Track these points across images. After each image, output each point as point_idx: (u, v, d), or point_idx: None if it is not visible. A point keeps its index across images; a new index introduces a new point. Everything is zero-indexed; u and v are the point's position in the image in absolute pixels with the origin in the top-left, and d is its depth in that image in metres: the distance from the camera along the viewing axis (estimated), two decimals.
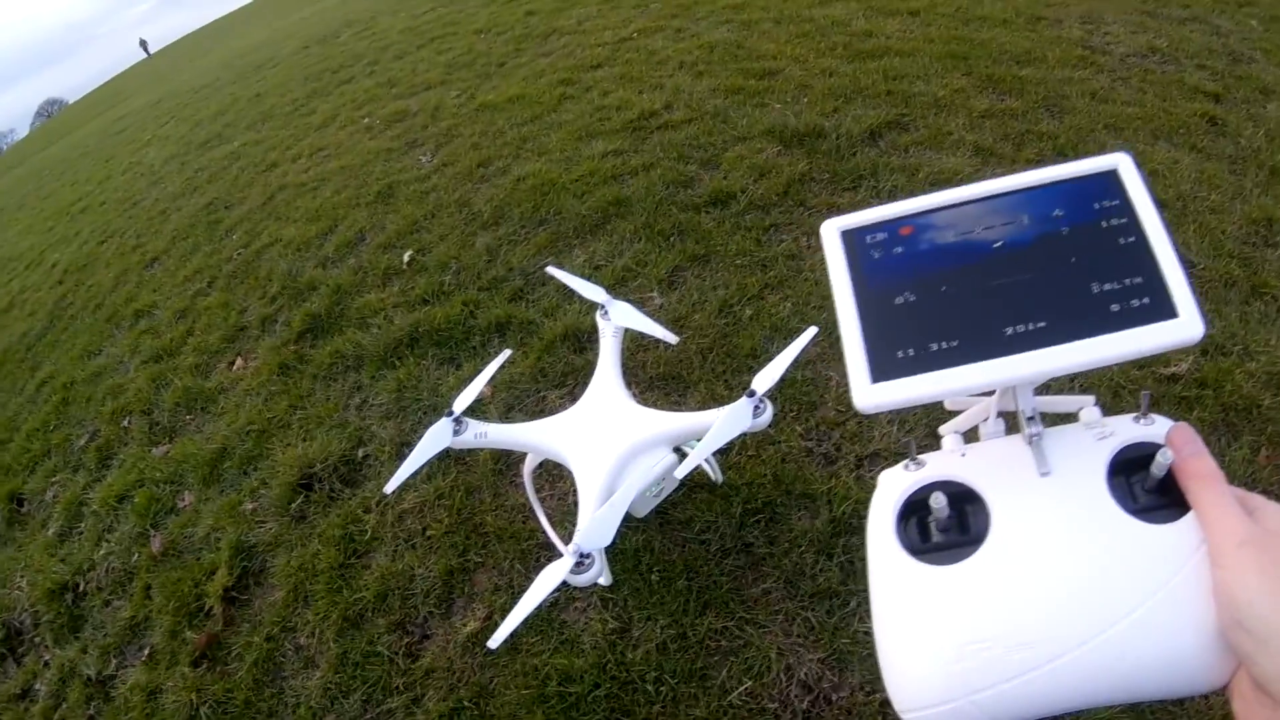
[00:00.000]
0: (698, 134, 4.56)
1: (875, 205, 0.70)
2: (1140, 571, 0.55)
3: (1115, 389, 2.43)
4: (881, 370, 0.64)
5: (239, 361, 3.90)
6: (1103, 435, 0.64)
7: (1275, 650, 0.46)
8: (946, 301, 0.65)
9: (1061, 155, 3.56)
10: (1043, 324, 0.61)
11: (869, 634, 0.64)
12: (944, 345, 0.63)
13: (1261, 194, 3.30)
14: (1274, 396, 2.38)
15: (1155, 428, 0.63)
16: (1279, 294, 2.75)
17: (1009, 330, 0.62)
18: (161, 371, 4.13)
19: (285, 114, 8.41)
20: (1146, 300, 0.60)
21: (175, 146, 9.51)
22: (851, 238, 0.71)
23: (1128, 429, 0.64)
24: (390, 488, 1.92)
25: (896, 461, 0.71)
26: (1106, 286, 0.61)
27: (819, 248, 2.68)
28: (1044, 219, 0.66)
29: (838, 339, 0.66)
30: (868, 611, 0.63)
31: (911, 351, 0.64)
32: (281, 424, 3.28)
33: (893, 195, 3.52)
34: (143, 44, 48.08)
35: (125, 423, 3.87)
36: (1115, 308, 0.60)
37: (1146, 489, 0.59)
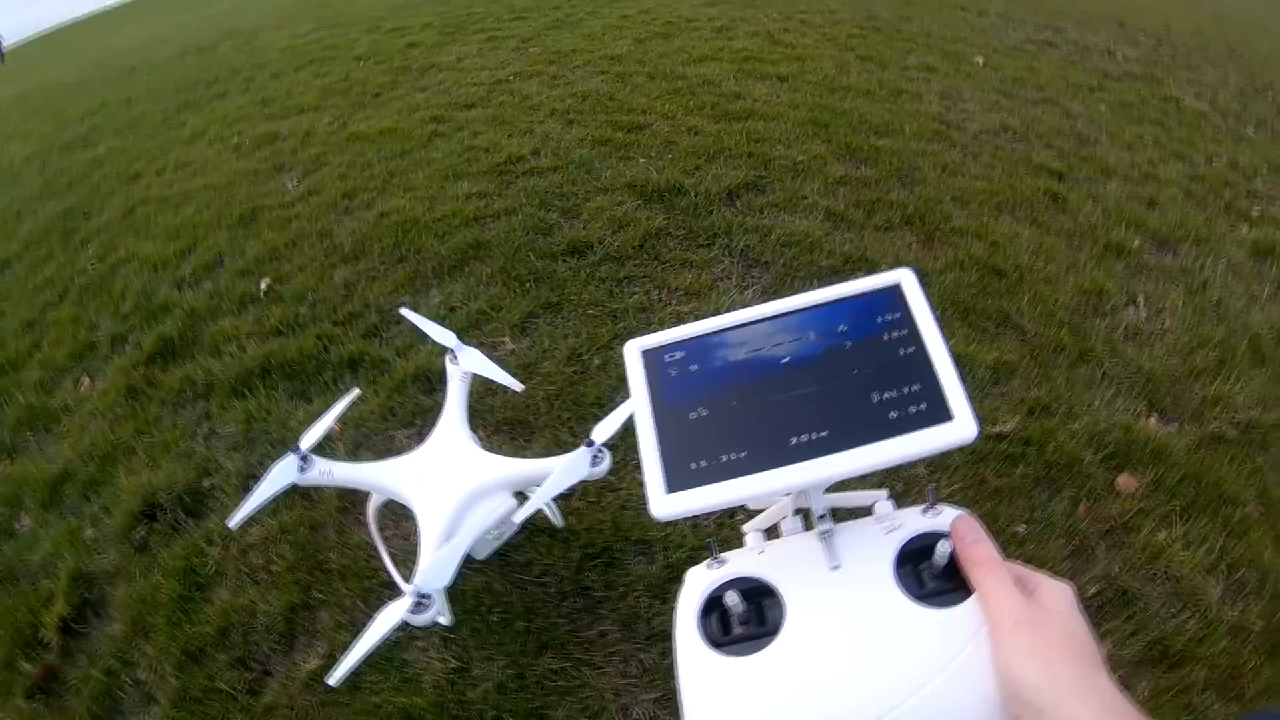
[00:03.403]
0: (562, 182, 4.58)
1: (685, 322, 0.77)
2: (924, 652, 0.59)
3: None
4: (676, 481, 0.68)
5: (86, 381, 3.68)
6: (891, 528, 0.69)
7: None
8: (737, 415, 0.68)
9: (909, 224, 3.78)
10: (825, 433, 0.65)
11: None
12: (733, 456, 0.66)
13: (1094, 267, 3.56)
14: (1094, 454, 2.55)
15: (941, 518, 0.68)
16: (1104, 359, 2.96)
17: (794, 440, 0.66)
18: (4, 385, 3.84)
19: (155, 123, 7.96)
20: (923, 406, 0.64)
21: (37, 144, 8.78)
22: (651, 357, 0.75)
23: (915, 521, 0.69)
24: (234, 522, 1.88)
25: (704, 554, 0.77)
26: (886, 395, 0.65)
27: (671, 300, 2.79)
28: (829, 334, 0.70)
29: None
30: None
31: (704, 463, 0.67)
32: (127, 449, 3.12)
33: (745, 255, 3.66)
34: None
35: None
36: (894, 414, 0.64)
37: (933, 576, 0.63)
